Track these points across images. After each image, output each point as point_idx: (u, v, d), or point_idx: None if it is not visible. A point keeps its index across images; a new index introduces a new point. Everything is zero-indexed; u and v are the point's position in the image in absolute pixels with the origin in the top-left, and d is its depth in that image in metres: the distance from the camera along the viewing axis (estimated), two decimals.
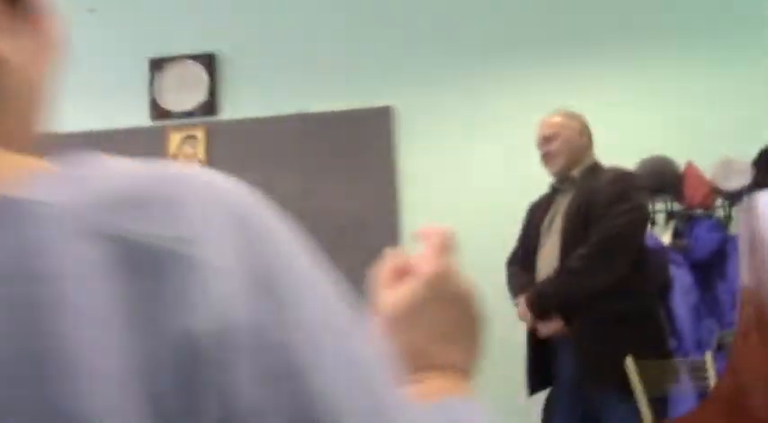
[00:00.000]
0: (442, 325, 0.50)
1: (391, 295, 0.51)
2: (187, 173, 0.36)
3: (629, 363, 2.17)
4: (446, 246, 0.51)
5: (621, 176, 2.71)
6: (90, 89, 4.63)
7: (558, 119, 2.79)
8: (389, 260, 0.52)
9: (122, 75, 4.69)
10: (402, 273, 0.52)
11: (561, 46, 4.31)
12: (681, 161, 3.88)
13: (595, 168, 2.78)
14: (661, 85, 4.21)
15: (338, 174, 4.37)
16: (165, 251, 0.33)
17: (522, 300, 2.68)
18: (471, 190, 4.19)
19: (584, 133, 2.79)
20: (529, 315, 2.64)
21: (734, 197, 3.75)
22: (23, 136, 0.42)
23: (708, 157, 3.88)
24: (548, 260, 2.70)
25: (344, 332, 0.36)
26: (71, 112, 4.59)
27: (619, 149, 3.89)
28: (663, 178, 3.69)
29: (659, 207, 3.82)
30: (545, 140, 2.77)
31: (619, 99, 4.22)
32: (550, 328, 2.61)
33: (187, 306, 0.32)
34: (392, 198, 4.30)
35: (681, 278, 3.41)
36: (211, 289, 0.32)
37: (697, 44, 4.22)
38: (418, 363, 0.48)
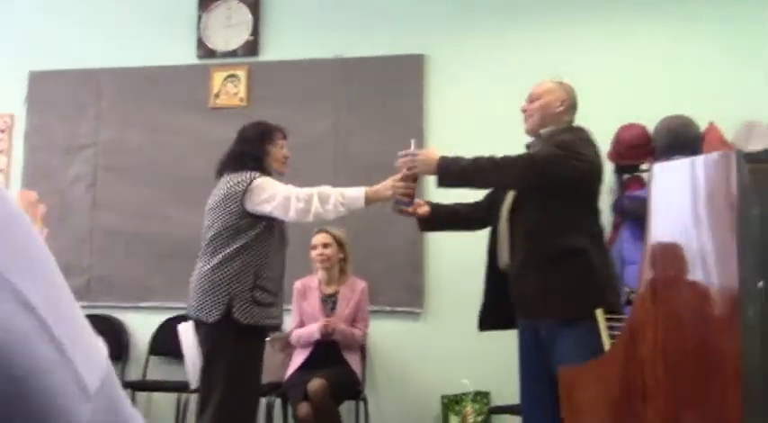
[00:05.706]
0: None
1: None
2: None
3: (599, 314, 2.35)
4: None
5: (569, 129, 2.84)
6: (140, 26, 4.85)
7: (547, 85, 2.93)
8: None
9: (171, 13, 4.88)
10: None
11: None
12: (703, 123, 3.95)
13: (564, 131, 2.85)
14: (688, 46, 4.26)
15: (369, 117, 4.54)
16: None
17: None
18: (497, 138, 4.30)
19: (565, 103, 2.87)
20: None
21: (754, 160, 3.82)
22: None
23: (732, 121, 3.96)
24: (505, 216, 2.86)
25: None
26: (123, 49, 4.82)
27: (641, 108, 4.00)
28: (679, 136, 3.77)
29: None
30: (529, 100, 2.92)
31: (646, 55, 4.29)
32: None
33: None
34: (420, 143, 4.45)
35: None
36: None
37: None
38: None
